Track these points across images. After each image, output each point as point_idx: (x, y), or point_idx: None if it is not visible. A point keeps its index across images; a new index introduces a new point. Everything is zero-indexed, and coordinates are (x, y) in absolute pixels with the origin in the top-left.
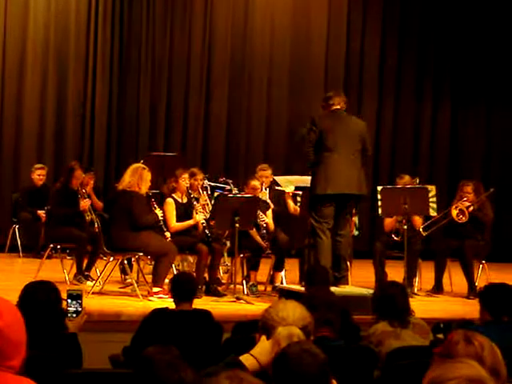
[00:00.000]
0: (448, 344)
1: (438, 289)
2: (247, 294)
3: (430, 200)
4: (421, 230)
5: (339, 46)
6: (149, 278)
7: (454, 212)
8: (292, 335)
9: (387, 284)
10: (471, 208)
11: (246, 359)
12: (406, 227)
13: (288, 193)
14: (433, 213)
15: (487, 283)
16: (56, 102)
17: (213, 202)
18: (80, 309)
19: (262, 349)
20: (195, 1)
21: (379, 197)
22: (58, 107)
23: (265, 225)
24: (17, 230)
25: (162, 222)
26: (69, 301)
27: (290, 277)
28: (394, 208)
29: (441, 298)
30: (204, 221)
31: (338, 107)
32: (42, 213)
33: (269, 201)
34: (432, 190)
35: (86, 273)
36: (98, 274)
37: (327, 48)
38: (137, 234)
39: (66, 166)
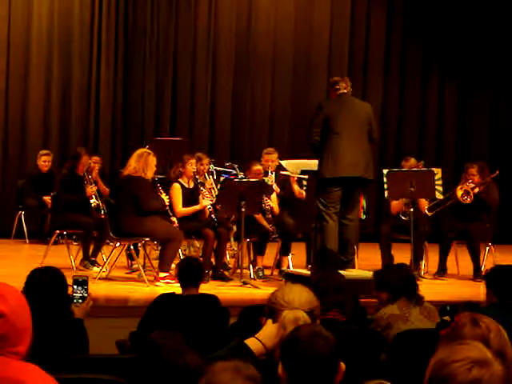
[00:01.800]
0: (454, 326)
1: (441, 271)
2: (254, 279)
3: (436, 183)
4: (426, 210)
5: (343, 30)
6: (155, 263)
7: (459, 192)
8: (298, 319)
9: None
10: (476, 189)
11: (251, 343)
12: (412, 210)
13: (293, 177)
14: (439, 196)
15: (494, 265)
16: (61, 88)
17: (219, 186)
18: (86, 294)
19: (268, 332)
20: None
21: (385, 180)
22: (63, 92)
23: (270, 209)
24: (23, 216)
25: (168, 207)
26: (75, 287)
27: (296, 261)
28: (400, 191)
29: (447, 281)
30: (210, 206)
31: (345, 91)
32: (47, 199)
33: (275, 185)
34: (438, 172)
35: (93, 258)
36: (105, 260)
37: (331, 32)
38: (143, 219)
39: (73, 151)
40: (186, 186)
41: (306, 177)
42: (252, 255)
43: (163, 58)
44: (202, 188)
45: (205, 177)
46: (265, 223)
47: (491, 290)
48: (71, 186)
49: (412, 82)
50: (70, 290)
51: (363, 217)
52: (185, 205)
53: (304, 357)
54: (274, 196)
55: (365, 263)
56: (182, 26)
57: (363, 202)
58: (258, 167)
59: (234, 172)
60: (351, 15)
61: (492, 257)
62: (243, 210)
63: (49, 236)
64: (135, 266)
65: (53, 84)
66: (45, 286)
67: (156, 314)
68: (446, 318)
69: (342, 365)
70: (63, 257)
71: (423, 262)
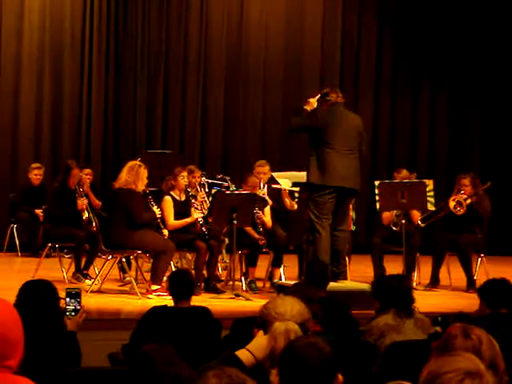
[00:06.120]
0: (446, 338)
1: (434, 282)
2: (246, 291)
3: (428, 194)
4: (419, 222)
5: (334, 43)
6: (147, 275)
7: (452, 203)
8: (289, 331)
9: (388, 275)
10: (469, 200)
11: (242, 354)
12: (404, 221)
13: (284, 190)
14: (430, 207)
15: (487, 278)
16: (52, 101)
17: (210, 199)
18: (79, 307)
19: (258, 343)
20: (191, 0)
21: (377, 191)
22: (54, 106)
23: (261, 222)
24: (15, 229)
25: (159, 220)
26: (67, 299)
27: (288, 273)
28: (391, 202)
29: (439, 292)
30: (202, 218)
31: (337, 101)
32: (39, 212)
33: (267, 197)
34: (429, 184)
35: (85, 271)
36: (97, 273)
37: (322, 47)
38: (135, 231)
39: (63, 164)
40: (178, 198)
41: (298, 189)
42: (244, 267)
43: (154, 70)
44: (193, 200)
45: (197, 189)
46: (255, 235)
47: (484, 301)
48: (63, 200)
49: (403, 94)
50: (62, 302)
51: (353, 228)
52: (176, 217)
53: (299, 367)
54: (267, 209)
55: (357, 275)
56: (172, 40)
57: (353, 214)
58: (255, 180)
59: (226, 184)
60: (342, 30)
61: (484, 268)
62: (235, 222)
63: (41, 249)
64: (127, 278)
65: (44, 97)
66: (37, 299)
67: (148, 326)
68: (437, 328)
69: (340, 376)
70: (55, 270)
71: (415, 273)
